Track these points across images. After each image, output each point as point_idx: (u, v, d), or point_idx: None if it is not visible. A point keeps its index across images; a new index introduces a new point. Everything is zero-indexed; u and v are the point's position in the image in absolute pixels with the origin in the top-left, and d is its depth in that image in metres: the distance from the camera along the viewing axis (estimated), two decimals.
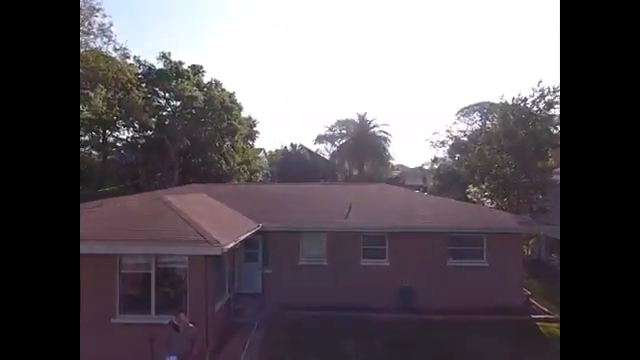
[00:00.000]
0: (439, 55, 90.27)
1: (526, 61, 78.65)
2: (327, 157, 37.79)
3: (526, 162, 13.96)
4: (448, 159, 31.76)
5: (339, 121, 36.60)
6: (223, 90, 24.84)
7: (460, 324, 8.51)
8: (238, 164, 24.46)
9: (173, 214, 7.82)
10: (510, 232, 9.64)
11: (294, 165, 33.56)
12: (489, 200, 16.00)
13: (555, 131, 14.49)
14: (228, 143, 23.85)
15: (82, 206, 11.67)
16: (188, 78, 22.68)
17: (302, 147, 36.74)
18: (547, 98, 14.06)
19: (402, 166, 45.39)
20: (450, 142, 30.30)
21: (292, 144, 36.48)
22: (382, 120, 47.57)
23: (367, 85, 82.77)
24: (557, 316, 9.04)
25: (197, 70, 23.96)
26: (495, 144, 15.21)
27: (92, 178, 20.14)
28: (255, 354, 7.13)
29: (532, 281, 12.04)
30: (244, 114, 26.63)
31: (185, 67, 23.26)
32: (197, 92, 22.14)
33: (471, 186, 18.20)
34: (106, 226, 7.27)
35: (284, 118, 79.53)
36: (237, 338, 7.72)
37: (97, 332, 6.71)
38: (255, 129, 29.22)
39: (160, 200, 8.70)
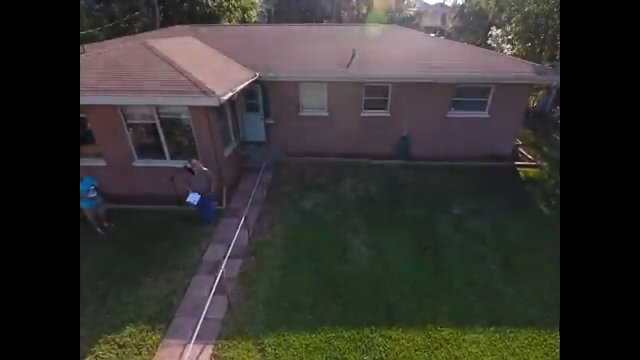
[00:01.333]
0: None
1: None
2: None
3: None
4: None
5: None
6: None
7: (448, 169, 9.44)
8: (226, 0, 20.78)
9: (162, 62, 7.30)
10: (521, 83, 9.14)
11: (292, 2, 28.60)
12: (509, 45, 14.41)
13: None
14: None
15: None
16: None
17: None
18: None
19: (420, 1, 38.59)
20: None
21: None
22: None
23: None
24: (538, 163, 9.95)
25: None
26: None
27: None
28: (264, 191, 8.30)
29: (527, 131, 12.48)
30: None
31: None
32: None
33: (494, 28, 16.00)
34: (96, 76, 6.94)
35: None
36: (247, 179, 8.79)
37: (124, 173, 7.65)
38: None
39: (145, 46, 7.93)
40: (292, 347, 4.75)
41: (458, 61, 9.43)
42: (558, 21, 12.09)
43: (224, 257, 5.81)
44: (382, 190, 8.46)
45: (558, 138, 12.10)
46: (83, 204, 6.37)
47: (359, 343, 4.80)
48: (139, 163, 7.66)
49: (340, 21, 31.54)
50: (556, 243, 6.64)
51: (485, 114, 9.64)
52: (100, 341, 4.77)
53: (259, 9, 27.65)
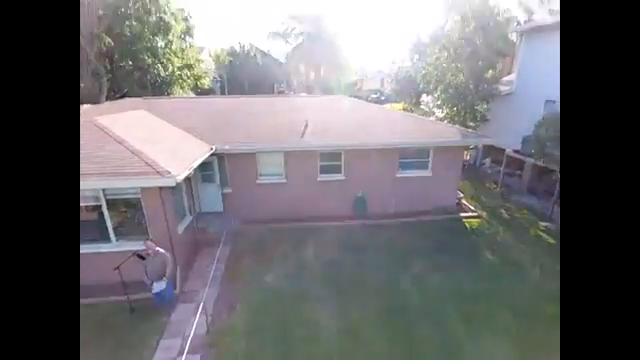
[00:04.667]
0: None
1: None
2: (282, 59, 34.42)
3: (476, 71, 14.19)
4: (407, 61, 30.88)
5: (292, 16, 32.00)
6: None
7: (403, 225, 9.97)
8: (178, 69, 21.39)
9: (113, 142, 7.08)
10: (454, 145, 10.46)
11: (244, 69, 30.52)
12: (439, 110, 16.66)
13: (511, 37, 14.45)
14: (161, 43, 20.12)
15: None
16: None
17: (252, 47, 32.73)
18: None
19: (362, 68, 43.67)
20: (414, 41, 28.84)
21: (240, 44, 32.24)
22: (341, 15, 42.52)
23: None
24: (478, 213, 11.00)
25: None
26: (452, 50, 14.86)
27: None
28: (223, 267, 7.85)
29: (465, 183, 13.93)
30: (175, 4, 21.35)
31: None
32: None
33: (425, 95, 18.52)
34: None
35: (226, 10, 67.10)
36: (204, 254, 8.30)
37: None
38: (190, 23, 23.39)
39: (93, 124, 7.68)
40: None
41: (400, 128, 10.60)
42: (473, 90, 14.48)
43: (179, 354, 5.20)
44: (343, 253, 8.51)
45: (490, 187, 13.67)
46: None
47: None
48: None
49: (290, 86, 34.04)
50: (505, 290, 7.13)
51: (428, 172, 10.66)
52: None
53: (212, 75, 28.86)
